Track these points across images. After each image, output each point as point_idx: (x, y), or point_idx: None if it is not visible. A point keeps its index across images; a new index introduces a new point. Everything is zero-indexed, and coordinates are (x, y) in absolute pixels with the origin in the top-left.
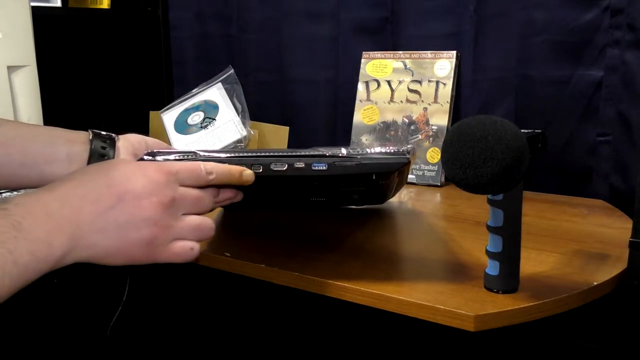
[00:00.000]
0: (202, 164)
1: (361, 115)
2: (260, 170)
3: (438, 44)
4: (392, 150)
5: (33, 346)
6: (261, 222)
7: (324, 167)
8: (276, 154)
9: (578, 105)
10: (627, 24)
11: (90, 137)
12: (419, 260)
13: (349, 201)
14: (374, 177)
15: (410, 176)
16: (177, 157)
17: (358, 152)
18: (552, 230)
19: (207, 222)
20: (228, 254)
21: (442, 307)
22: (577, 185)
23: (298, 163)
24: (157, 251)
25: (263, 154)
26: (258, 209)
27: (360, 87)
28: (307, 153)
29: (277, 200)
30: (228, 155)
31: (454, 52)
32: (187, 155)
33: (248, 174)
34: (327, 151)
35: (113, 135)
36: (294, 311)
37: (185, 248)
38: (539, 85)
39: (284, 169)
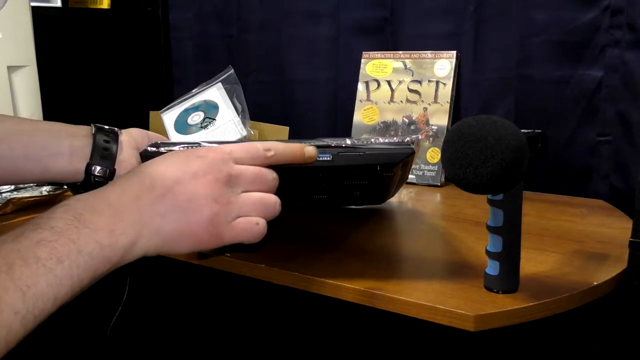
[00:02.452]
0: (260, 143)
1: (361, 115)
2: None
3: (438, 44)
4: (397, 141)
5: (33, 346)
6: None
7: (329, 158)
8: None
9: (578, 105)
10: (627, 24)
11: (93, 131)
12: (419, 260)
13: (350, 199)
14: (378, 168)
15: (410, 176)
16: (182, 148)
17: (363, 142)
18: (552, 230)
19: (270, 197)
20: (228, 254)
21: (442, 307)
22: (577, 185)
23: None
24: (221, 230)
25: None
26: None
27: (360, 87)
28: (312, 144)
29: (279, 197)
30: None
31: (454, 52)
32: (192, 146)
33: (310, 150)
34: (332, 142)
35: (116, 129)
36: (294, 311)
37: (250, 223)
38: (539, 85)
39: None
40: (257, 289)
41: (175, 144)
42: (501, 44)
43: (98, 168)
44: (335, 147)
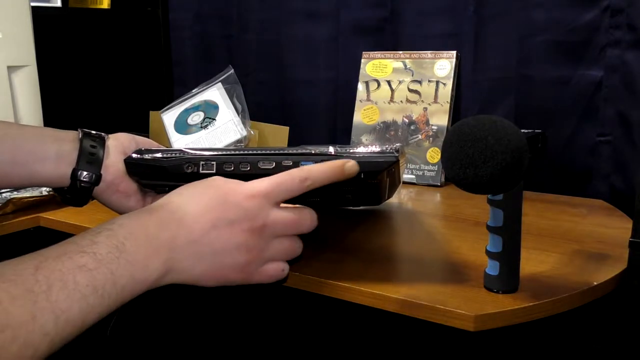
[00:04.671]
0: (295, 173)
1: (361, 115)
2: (248, 169)
3: (438, 44)
4: (380, 149)
5: None
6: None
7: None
8: (264, 152)
9: (578, 105)
10: (627, 24)
11: (80, 136)
12: (418, 260)
13: (344, 201)
14: (362, 176)
15: (410, 176)
16: (164, 155)
17: (346, 150)
18: (552, 230)
19: (298, 243)
20: None
21: (442, 307)
22: (577, 185)
23: (286, 161)
24: (251, 274)
25: (251, 152)
26: None
27: (360, 87)
28: (295, 152)
29: None
30: (215, 153)
31: (454, 52)
32: (175, 153)
33: (351, 165)
34: (315, 150)
35: (103, 134)
36: (293, 311)
37: (277, 270)
38: (539, 85)
39: (272, 167)
40: (257, 289)
41: (158, 150)
42: (501, 44)
43: (84, 173)
44: (318, 154)
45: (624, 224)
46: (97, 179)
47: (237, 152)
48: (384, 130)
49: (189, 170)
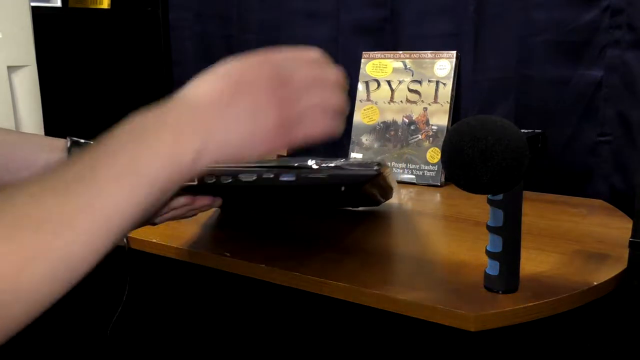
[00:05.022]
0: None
1: (361, 115)
2: (230, 181)
3: (438, 44)
4: (360, 163)
5: (34, 345)
6: (261, 222)
7: (292, 179)
8: (246, 165)
9: (578, 105)
10: (627, 24)
11: (69, 145)
12: (418, 260)
13: (343, 203)
14: (342, 189)
15: (410, 176)
16: None
17: (327, 164)
18: (552, 230)
19: (333, 96)
20: (228, 254)
21: (442, 307)
22: (577, 185)
23: (267, 174)
24: (292, 128)
25: (231, 165)
26: (254, 211)
27: (360, 87)
28: (276, 165)
29: (266, 207)
30: None
31: (454, 52)
32: None
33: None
34: (297, 162)
35: (91, 142)
36: (293, 311)
37: (319, 121)
38: (539, 85)
39: (253, 179)
40: (257, 289)
41: None
42: (501, 44)
43: None
44: (298, 168)
45: (624, 224)
46: None
47: (219, 165)
48: (384, 130)
49: None
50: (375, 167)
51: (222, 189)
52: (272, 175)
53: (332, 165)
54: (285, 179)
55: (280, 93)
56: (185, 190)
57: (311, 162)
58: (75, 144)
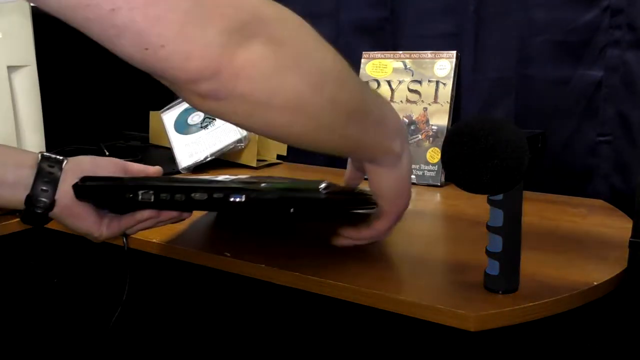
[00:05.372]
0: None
1: None
2: (183, 199)
3: (438, 44)
4: (306, 184)
5: (35, 343)
6: (261, 222)
7: (242, 199)
8: (198, 184)
9: (578, 105)
10: (627, 24)
11: (39, 160)
12: (419, 260)
13: (306, 220)
14: (291, 211)
15: None
16: (105, 184)
17: (278, 185)
18: (552, 230)
19: None
20: (228, 254)
21: (442, 307)
22: (577, 185)
23: (217, 194)
24: None
25: (186, 183)
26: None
27: None
28: (227, 185)
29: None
30: (153, 183)
31: (454, 52)
32: (115, 182)
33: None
34: (249, 183)
35: (61, 158)
36: (293, 311)
37: None
38: (539, 85)
39: (204, 198)
40: (257, 289)
41: (100, 178)
42: (501, 44)
43: (38, 199)
44: (248, 189)
45: (624, 224)
46: (51, 205)
47: (173, 183)
48: None
49: (129, 197)
50: (322, 191)
51: (179, 205)
52: (222, 195)
53: (282, 187)
54: (233, 199)
55: None
56: (145, 207)
57: (263, 183)
58: (44, 160)
